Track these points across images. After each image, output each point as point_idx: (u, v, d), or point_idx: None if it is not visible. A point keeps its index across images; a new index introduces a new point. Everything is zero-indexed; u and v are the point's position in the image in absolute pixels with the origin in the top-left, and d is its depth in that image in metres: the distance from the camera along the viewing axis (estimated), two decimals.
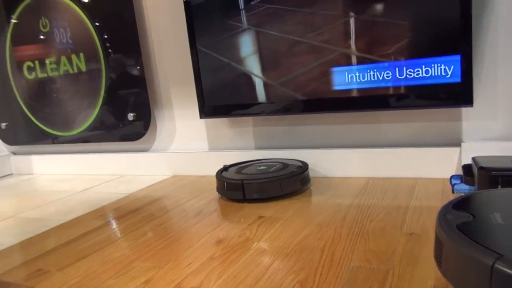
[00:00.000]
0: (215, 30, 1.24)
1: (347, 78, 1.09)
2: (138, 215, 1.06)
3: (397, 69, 1.03)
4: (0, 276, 0.78)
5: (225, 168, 1.22)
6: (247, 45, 1.20)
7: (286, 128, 1.29)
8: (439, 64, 0.99)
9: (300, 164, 1.17)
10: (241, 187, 1.06)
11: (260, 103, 1.23)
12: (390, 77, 1.05)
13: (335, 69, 1.10)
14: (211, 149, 1.43)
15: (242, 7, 1.18)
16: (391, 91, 1.05)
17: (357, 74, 1.08)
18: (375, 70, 1.06)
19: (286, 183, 1.06)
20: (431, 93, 1.01)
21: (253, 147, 1.35)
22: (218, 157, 1.37)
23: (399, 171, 1.14)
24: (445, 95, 1.00)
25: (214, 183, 1.28)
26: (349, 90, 1.10)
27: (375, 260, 0.67)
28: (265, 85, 1.20)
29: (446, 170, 1.08)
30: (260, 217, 0.93)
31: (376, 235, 0.77)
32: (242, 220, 0.93)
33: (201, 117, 1.33)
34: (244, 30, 1.20)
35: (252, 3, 1.17)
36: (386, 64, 1.04)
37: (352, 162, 1.19)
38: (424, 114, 1.12)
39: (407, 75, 1.03)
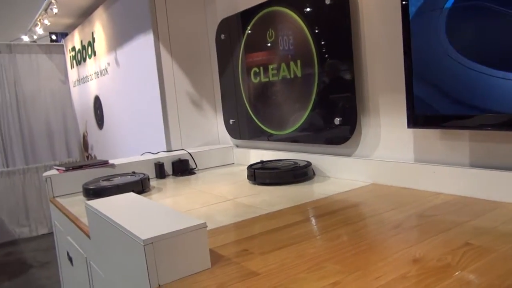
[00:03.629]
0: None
1: None
2: (335, 217, 1.09)
3: None
4: (217, 248, 0.93)
5: (261, 162, 1.72)
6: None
7: None
8: None
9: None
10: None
11: (481, 115, 1.08)
12: None
13: None
14: (417, 161, 1.34)
15: None
16: None
17: None
18: None
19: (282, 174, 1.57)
20: None
21: (467, 164, 1.21)
22: (424, 170, 1.27)
23: None
24: None
25: (419, 198, 1.20)
26: None
27: None
28: (491, 89, 1.05)
29: None
30: (467, 243, 0.83)
31: None
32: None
33: (408, 126, 1.26)
34: None
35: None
36: None
37: None
38: None
39: None
